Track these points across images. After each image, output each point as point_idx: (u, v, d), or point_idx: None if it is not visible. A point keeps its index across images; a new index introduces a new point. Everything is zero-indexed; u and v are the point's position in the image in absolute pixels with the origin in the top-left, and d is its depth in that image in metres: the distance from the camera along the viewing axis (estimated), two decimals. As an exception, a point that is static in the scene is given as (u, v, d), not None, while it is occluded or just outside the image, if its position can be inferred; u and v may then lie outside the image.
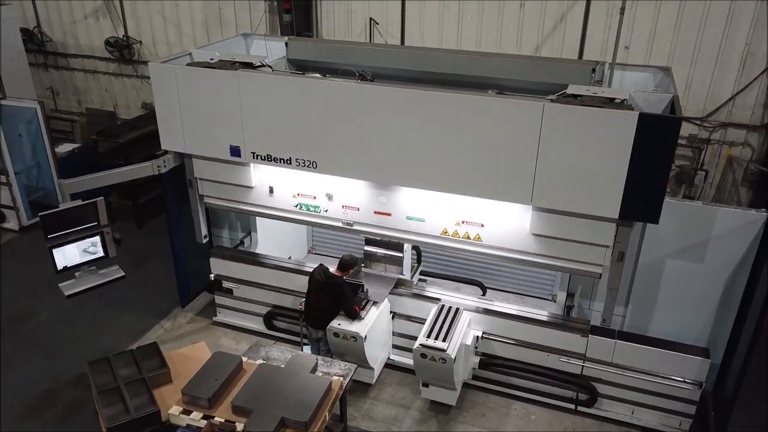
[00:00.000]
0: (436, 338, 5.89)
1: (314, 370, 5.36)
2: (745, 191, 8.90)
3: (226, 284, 7.51)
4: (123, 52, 11.45)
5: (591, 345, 6.13)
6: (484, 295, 7.51)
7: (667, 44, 8.45)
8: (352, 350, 6.13)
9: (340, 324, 6.08)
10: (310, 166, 6.15)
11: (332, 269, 6.33)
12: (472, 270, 7.89)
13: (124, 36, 11.43)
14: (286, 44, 7.52)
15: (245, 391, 5.02)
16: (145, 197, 10.15)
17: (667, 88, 6.10)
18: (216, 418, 4.86)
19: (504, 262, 6.16)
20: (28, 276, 8.72)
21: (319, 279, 6.20)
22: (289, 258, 7.79)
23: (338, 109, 5.81)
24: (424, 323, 6.54)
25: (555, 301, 7.57)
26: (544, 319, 6.32)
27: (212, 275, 7.51)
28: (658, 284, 6.12)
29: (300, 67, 7.57)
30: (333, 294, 6.14)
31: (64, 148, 10.55)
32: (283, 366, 5.40)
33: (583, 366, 6.25)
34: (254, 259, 7.33)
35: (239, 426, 4.76)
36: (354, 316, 6.10)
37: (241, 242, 7.86)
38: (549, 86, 6.32)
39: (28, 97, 10.28)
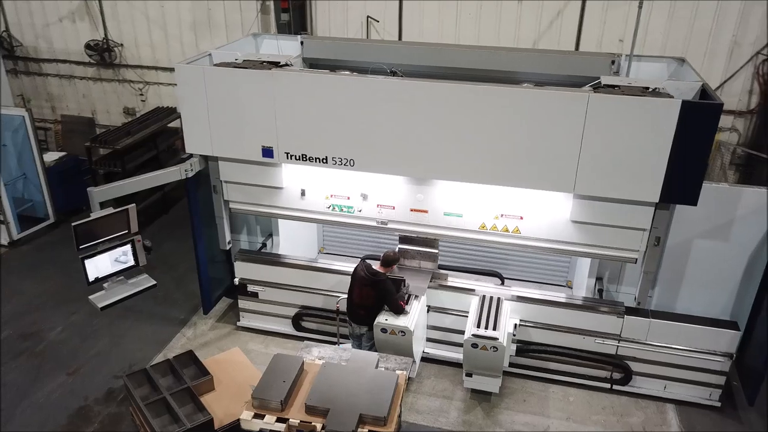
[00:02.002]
0: (486, 328, 6.01)
1: (377, 365, 5.38)
2: (732, 173, 9.46)
3: (251, 288, 7.40)
4: (103, 55, 11.04)
5: (626, 325, 6.38)
6: (502, 284, 7.67)
7: (659, 36, 8.85)
8: (399, 345, 6.16)
9: (387, 319, 6.11)
10: (348, 164, 6.15)
11: (375, 266, 6.33)
12: (484, 261, 8.01)
13: (103, 39, 11.03)
14: (302, 43, 7.46)
15: (316, 390, 4.99)
16: (142, 204, 9.84)
17: (686, 77, 6.42)
18: (291, 420, 4.82)
19: (543, 252, 6.35)
20: (30, 291, 8.36)
21: (363, 275, 6.20)
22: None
23: (377, 106, 5.85)
24: (458, 315, 6.71)
25: (571, 287, 7.82)
26: (581, 303, 6.54)
27: (237, 279, 7.38)
28: (685, 264, 6.41)
29: (313, 65, 7.54)
30: (377, 290, 6.16)
31: (50, 157, 10.10)
32: (344, 364, 5.40)
33: (618, 346, 6.50)
34: (282, 261, 7.25)
35: (317, 426, 4.74)
36: (400, 311, 6.14)
37: (264, 245, 7.75)
38: (569, 78, 6.58)
39: (4, 105, 9.79)
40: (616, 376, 6.65)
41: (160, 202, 10.21)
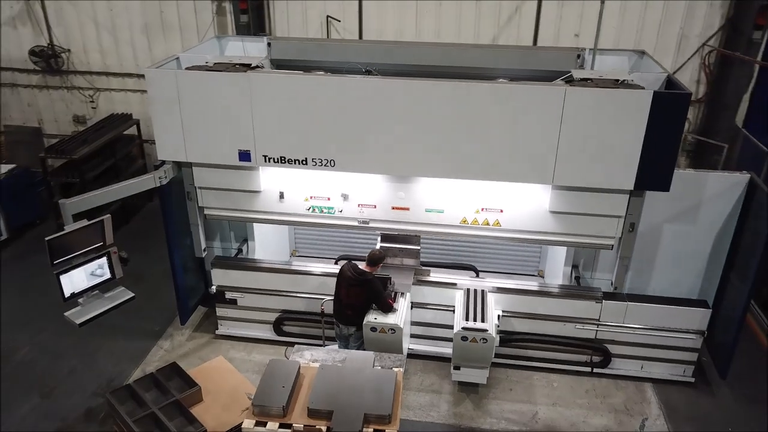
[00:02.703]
0: (474, 320, 6.11)
1: (373, 364, 5.38)
2: (684, 159, 9.93)
3: (229, 295, 7.25)
4: (50, 62, 10.55)
5: (605, 309, 6.62)
6: (477, 277, 7.79)
7: (612, 31, 9.19)
8: (389, 343, 6.17)
9: (376, 318, 6.12)
10: (328, 164, 6.12)
11: (361, 266, 6.32)
12: (457, 254, 8.10)
13: (49, 44, 10.54)
14: (269, 44, 7.36)
15: (316, 393, 4.94)
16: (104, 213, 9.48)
17: (647, 69, 6.69)
18: (295, 425, 4.76)
19: (522, 244, 6.51)
20: (-11, 312, 7.92)
21: (350, 276, 6.18)
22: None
23: (356, 106, 5.84)
24: (443, 310, 6.79)
25: (542, 277, 8.03)
26: (561, 291, 6.73)
27: (213, 287, 7.22)
28: (656, 248, 6.68)
29: (281, 66, 7.45)
30: (365, 290, 6.16)
31: (-1, 170, 9.59)
32: (340, 365, 5.37)
33: (597, 330, 6.73)
34: (261, 266, 7.15)
35: (322, 429, 4.70)
36: (389, 309, 6.17)
37: (240, 251, 7.61)
38: (537, 73, 6.76)
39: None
40: (596, 359, 6.89)
41: (119, 212, 9.84)
